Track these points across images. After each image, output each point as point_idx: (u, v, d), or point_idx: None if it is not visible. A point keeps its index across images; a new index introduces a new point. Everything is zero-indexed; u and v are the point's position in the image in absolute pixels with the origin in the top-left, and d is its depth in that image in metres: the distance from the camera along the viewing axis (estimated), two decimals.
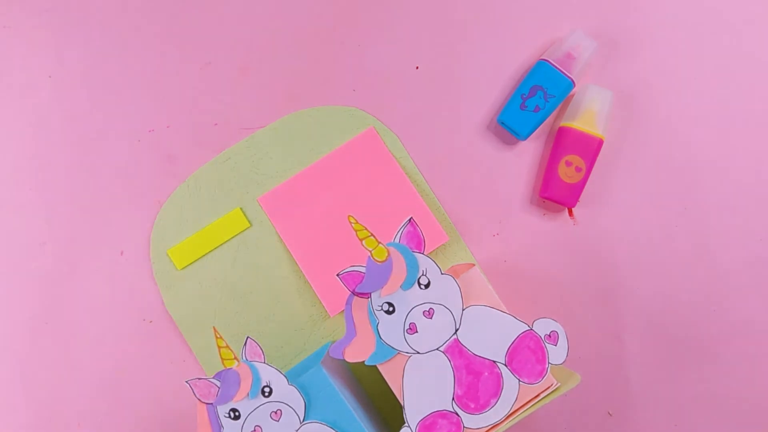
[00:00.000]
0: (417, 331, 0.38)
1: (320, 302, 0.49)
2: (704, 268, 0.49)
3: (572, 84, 0.49)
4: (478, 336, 0.38)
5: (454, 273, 0.41)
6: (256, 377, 0.39)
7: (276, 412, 0.38)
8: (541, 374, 0.38)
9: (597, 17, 0.51)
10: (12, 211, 0.51)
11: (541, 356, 0.38)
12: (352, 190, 0.50)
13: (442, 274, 0.38)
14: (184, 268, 0.49)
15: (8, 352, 0.50)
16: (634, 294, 0.49)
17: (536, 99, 0.49)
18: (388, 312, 0.38)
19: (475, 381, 0.38)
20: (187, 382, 0.39)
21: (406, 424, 0.38)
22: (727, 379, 0.49)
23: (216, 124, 0.51)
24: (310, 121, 0.51)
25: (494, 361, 0.38)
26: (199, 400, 0.39)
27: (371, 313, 0.38)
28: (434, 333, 0.38)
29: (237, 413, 0.38)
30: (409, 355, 0.38)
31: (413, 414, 0.38)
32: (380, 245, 0.38)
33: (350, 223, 0.38)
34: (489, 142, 0.51)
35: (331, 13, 0.52)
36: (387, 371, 0.38)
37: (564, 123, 0.49)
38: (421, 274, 0.38)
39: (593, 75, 0.51)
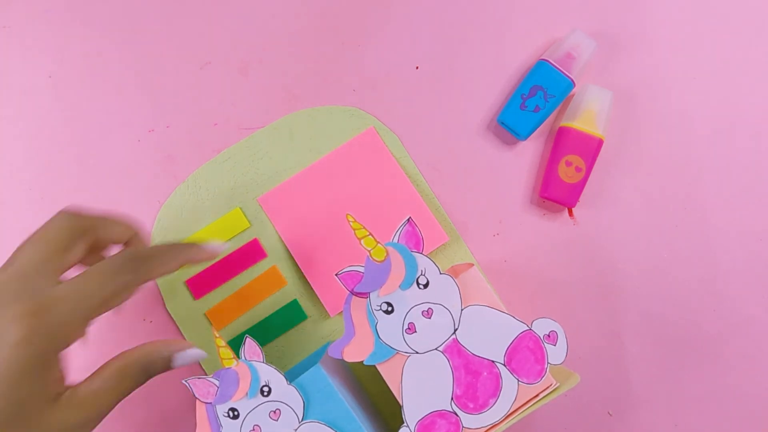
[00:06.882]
0: (416, 331, 0.38)
1: (320, 302, 0.49)
2: (704, 267, 0.49)
3: (572, 84, 0.49)
4: (477, 336, 0.38)
5: (454, 273, 0.41)
6: (255, 377, 0.39)
7: (275, 412, 0.38)
8: (540, 374, 0.38)
9: (597, 17, 0.51)
10: (12, 211, 0.51)
11: (540, 356, 0.38)
12: (352, 190, 0.50)
13: (440, 273, 0.38)
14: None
15: None
16: (634, 294, 0.49)
17: (536, 99, 0.49)
18: (386, 312, 0.38)
19: (474, 381, 0.38)
20: (185, 381, 0.39)
21: (404, 424, 0.38)
22: (728, 379, 0.49)
23: (216, 124, 0.51)
24: (310, 121, 0.51)
25: (493, 361, 0.38)
26: (198, 399, 0.39)
27: (370, 313, 0.38)
28: (433, 333, 0.38)
29: (236, 412, 0.38)
30: (408, 354, 0.38)
31: (412, 414, 0.38)
32: (379, 245, 0.38)
33: (349, 222, 0.38)
34: (489, 142, 0.51)
35: (331, 13, 0.52)
36: (386, 371, 0.38)
37: (564, 123, 0.49)
38: (419, 273, 0.38)
39: (593, 75, 0.51)
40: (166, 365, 0.39)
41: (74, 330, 0.35)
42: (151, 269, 0.39)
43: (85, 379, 0.37)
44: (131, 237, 0.42)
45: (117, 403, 0.37)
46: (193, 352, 0.40)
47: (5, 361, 0.33)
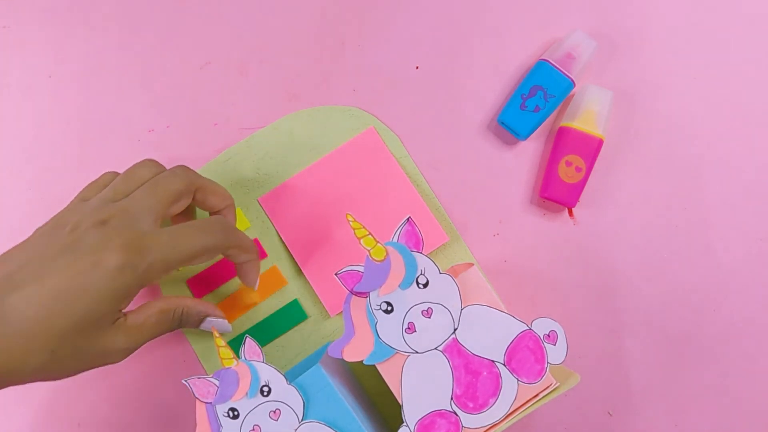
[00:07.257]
0: (415, 331, 0.38)
1: (320, 302, 0.49)
2: (704, 267, 0.49)
3: (572, 84, 0.49)
4: (477, 335, 0.38)
5: (453, 273, 0.41)
6: (255, 376, 0.39)
7: (275, 412, 0.38)
8: (540, 374, 0.38)
9: (597, 17, 0.51)
10: (12, 212, 0.51)
11: (540, 356, 0.38)
12: (352, 190, 0.50)
13: (440, 273, 0.38)
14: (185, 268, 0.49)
15: None
16: (634, 294, 0.49)
17: (536, 99, 0.49)
18: (386, 311, 0.38)
19: (473, 380, 0.38)
20: (185, 381, 0.39)
21: (404, 424, 0.38)
22: (728, 379, 0.49)
23: (216, 124, 0.51)
24: (310, 121, 0.51)
25: (493, 361, 0.38)
26: (198, 399, 0.39)
27: (370, 313, 0.38)
28: (433, 332, 0.38)
29: (236, 412, 0.38)
30: (408, 354, 0.38)
31: (412, 413, 0.38)
32: (378, 244, 0.38)
33: (348, 221, 0.38)
34: (489, 142, 0.51)
35: (331, 13, 0.52)
36: (385, 370, 0.38)
37: (564, 123, 0.49)
38: (419, 273, 0.38)
39: (593, 75, 0.51)
40: (197, 323, 0.44)
41: (160, 274, 0.39)
42: (236, 240, 0.43)
43: (134, 310, 0.41)
44: (224, 208, 0.46)
45: (152, 338, 0.41)
46: (222, 323, 0.45)
47: (100, 281, 0.37)
